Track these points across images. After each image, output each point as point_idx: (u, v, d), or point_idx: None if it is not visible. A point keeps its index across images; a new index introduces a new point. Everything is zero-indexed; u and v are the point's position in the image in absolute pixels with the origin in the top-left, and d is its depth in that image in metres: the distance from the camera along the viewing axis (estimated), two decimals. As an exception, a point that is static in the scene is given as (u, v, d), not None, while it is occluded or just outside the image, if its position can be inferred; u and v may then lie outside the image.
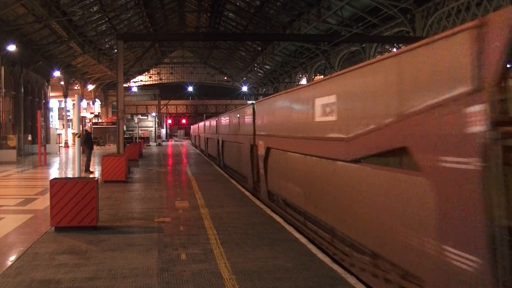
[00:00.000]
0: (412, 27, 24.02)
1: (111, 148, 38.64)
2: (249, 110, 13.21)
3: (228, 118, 19.03)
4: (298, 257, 6.00)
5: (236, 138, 15.87)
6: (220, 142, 21.11)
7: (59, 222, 7.40)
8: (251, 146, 12.56)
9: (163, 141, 58.42)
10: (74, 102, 46.85)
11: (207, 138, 29.55)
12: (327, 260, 5.87)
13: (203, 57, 67.65)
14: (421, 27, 23.23)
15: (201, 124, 37.70)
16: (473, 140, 3.33)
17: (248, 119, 13.17)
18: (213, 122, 25.22)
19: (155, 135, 55.06)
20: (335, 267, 5.58)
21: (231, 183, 14.39)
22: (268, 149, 10.44)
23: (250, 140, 12.62)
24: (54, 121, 54.90)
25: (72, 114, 50.03)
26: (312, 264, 5.69)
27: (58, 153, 32.25)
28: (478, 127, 3.30)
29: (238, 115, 15.58)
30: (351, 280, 5.11)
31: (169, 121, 74.08)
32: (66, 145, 42.69)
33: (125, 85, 27.93)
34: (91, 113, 60.90)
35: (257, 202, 10.54)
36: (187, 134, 73.38)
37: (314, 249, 6.39)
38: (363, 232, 5.37)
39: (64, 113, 49.09)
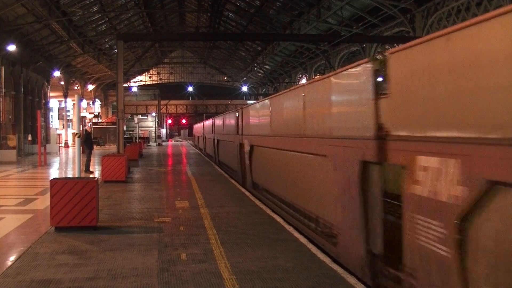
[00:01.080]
0: (412, 27, 24.03)
1: (111, 148, 38.64)
2: (357, 75, 5.65)
3: (266, 107, 11.22)
4: (298, 257, 6.00)
5: (298, 144, 8.17)
6: (247, 148, 13.58)
7: (59, 222, 7.40)
8: (365, 165, 5.34)
9: (163, 141, 58.43)
10: (74, 102, 46.85)
11: (218, 140, 22.43)
12: (327, 260, 5.87)
13: (203, 57, 67.65)
14: (421, 27, 23.24)
15: (208, 122, 29.52)
16: None
17: (356, 96, 5.74)
18: (230, 119, 18.18)
19: (155, 135, 55.08)
20: (335, 267, 5.58)
21: (231, 183, 14.38)
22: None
23: (363, 151, 5.34)
24: (54, 121, 54.87)
25: (72, 114, 50.04)
26: (312, 264, 5.69)
27: (58, 153, 32.26)
28: None
29: (304, 96, 7.89)
30: (351, 280, 5.11)
31: (169, 121, 74.07)
32: (66, 145, 42.69)
33: (125, 85, 27.96)
34: (91, 113, 60.91)
35: (257, 202, 10.53)
36: (191, 135, 66.77)
37: (314, 249, 6.38)
38: None
39: (64, 113, 49.10)
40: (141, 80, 74.23)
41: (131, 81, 69.91)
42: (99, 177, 12.03)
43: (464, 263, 3.53)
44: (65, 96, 43.63)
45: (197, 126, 43.91)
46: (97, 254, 6.18)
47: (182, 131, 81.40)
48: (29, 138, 31.02)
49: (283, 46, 41.12)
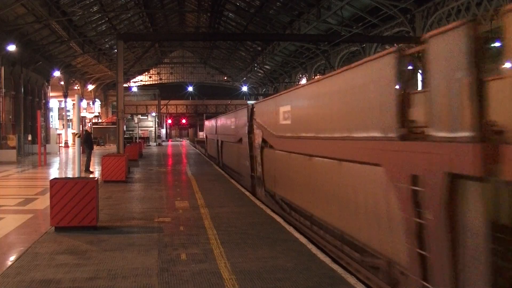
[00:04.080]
0: (412, 27, 24.03)
1: (111, 148, 38.64)
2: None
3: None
4: (298, 257, 6.00)
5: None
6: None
7: (59, 222, 7.40)
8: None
9: (163, 141, 58.44)
10: (74, 102, 46.84)
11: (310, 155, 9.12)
12: (327, 260, 5.87)
13: (203, 57, 67.61)
14: (421, 27, 23.23)
15: (263, 106, 12.17)
16: None
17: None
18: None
19: (155, 135, 55.09)
20: (335, 267, 5.59)
21: (231, 183, 14.39)
22: None
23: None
24: (54, 121, 54.89)
25: (72, 114, 50.04)
26: (312, 264, 5.69)
27: (58, 153, 32.25)
28: None
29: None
30: (351, 280, 5.11)
31: (169, 121, 74.07)
32: (66, 145, 42.68)
33: (125, 85, 27.94)
34: (91, 113, 60.89)
35: (257, 202, 10.54)
36: (199, 136, 60.17)
37: (314, 249, 6.39)
38: None
39: (64, 113, 49.10)
40: (141, 80, 74.19)
41: (131, 81, 69.88)
42: (99, 177, 12.03)
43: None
44: (65, 96, 43.62)
45: (217, 124, 22.66)
46: (97, 254, 6.18)
47: (189, 130, 79.40)
48: (29, 138, 31.01)
49: (283, 46, 41.09)
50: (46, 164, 22.12)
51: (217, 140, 22.97)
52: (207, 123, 33.38)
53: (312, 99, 7.76)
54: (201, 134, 67.80)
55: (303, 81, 45.49)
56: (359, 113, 5.71)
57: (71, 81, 45.45)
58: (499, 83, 3.65)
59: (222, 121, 21.33)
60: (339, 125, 6.40)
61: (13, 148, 25.48)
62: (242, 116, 14.67)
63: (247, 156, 13.44)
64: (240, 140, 14.83)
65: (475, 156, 3.61)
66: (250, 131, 12.90)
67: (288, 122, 8.98)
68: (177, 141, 69.35)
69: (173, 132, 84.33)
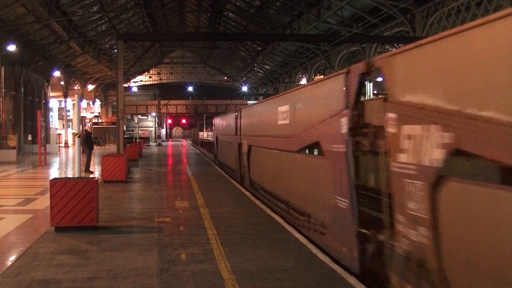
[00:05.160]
0: (412, 27, 24.02)
1: (111, 148, 38.64)
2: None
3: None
4: (298, 257, 6.00)
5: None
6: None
7: (59, 222, 7.40)
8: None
9: (163, 141, 58.47)
10: (74, 102, 46.81)
11: None
12: (327, 260, 5.87)
13: (203, 57, 67.65)
14: (421, 27, 23.23)
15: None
16: None
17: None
18: None
19: (155, 135, 55.11)
20: (335, 267, 5.58)
21: (231, 183, 14.39)
22: None
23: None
24: (54, 121, 54.82)
25: (72, 114, 50.01)
26: (312, 264, 5.69)
27: (58, 153, 32.25)
28: None
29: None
30: (351, 280, 5.11)
31: (169, 121, 74.10)
32: (66, 145, 42.68)
33: (125, 85, 27.94)
34: (91, 113, 60.89)
35: (257, 202, 10.53)
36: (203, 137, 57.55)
37: (314, 249, 6.39)
38: None
39: (64, 113, 49.07)
40: (141, 80, 74.24)
41: (131, 81, 69.91)
42: (99, 177, 12.03)
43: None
44: (65, 96, 43.64)
45: (250, 119, 14.59)
46: (97, 254, 6.18)
47: (192, 130, 77.26)
48: (29, 138, 31.01)
49: (283, 46, 41.11)
50: (46, 164, 22.12)
51: (239, 144, 15.47)
52: (218, 120, 24.58)
53: None
54: (201, 134, 67.67)
55: (303, 81, 45.46)
56: None
57: (71, 81, 45.47)
58: None
59: (253, 114, 13.52)
60: None
61: (13, 148, 25.48)
62: (324, 96, 6.71)
63: (345, 186, 5.81)
64: (309, 148, 7.63)
65: None
66: (357, 129, 5.52)
67: None
68: (177, 141, 69.39)
69: (174, 132, 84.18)
